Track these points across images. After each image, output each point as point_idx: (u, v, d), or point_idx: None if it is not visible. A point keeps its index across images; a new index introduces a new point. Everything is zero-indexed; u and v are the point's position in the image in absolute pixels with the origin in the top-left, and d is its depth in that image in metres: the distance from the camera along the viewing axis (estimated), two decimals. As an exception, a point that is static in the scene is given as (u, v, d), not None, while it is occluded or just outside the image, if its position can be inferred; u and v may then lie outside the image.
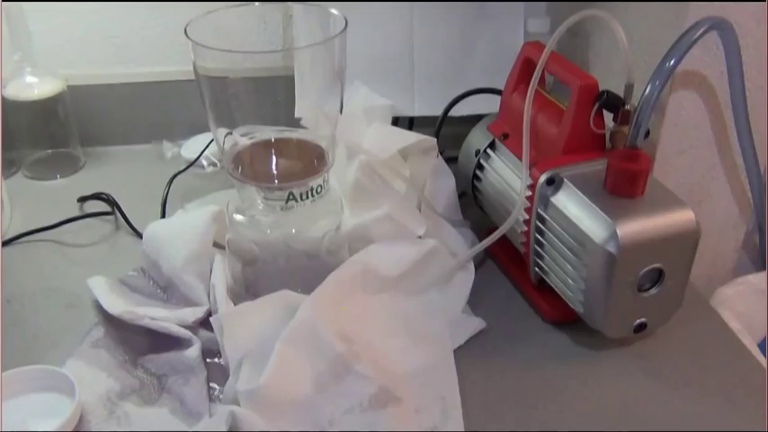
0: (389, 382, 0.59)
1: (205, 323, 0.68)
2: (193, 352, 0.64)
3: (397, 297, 0.69)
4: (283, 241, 0.65)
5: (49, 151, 0.95)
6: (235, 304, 0.66)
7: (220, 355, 0.65)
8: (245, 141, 0.66)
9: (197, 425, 0.58)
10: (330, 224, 0.67)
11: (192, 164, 0.90)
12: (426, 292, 0.71)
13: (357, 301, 0.65)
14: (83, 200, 0.88)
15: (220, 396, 0.61)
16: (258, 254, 0.66)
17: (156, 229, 0.75)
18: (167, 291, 0.73)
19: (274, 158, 0.66)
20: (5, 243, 0.82)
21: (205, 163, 0.93)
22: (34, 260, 0.80)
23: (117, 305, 0.68)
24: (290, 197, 0.63)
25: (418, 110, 0.91)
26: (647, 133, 0.65)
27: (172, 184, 0.86)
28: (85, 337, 0.68)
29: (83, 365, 0.65)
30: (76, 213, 0.86)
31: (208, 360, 0.65)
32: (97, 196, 0.87)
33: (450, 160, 0.81)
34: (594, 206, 0.61)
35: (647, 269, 0.61)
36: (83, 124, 0.96)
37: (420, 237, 0.71)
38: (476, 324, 0.69)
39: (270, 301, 0.63)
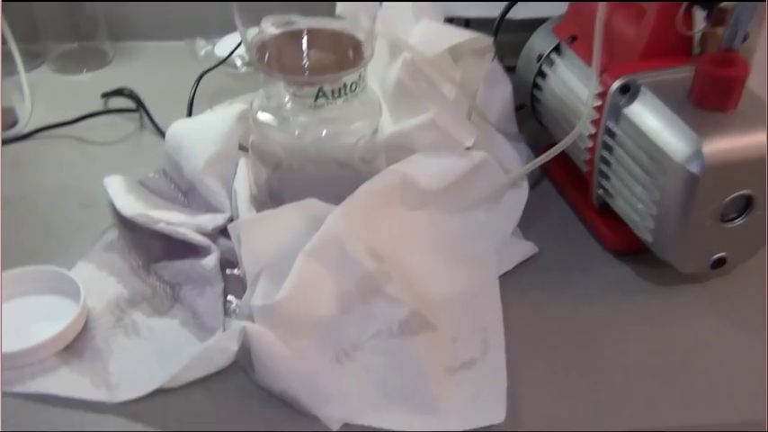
0: (424, 306, 0.53)
1: (225, 231, 0.62)
2: (210, 261, 0.58)
3: (437, 214, 0.61)
4: (312, 145, 0.58)
5: (76, 44, 0.89)
6: (257, 212, 0.59)
7: (238, 266, 0.59)
8: (273, 30, 0.58)
9: (208, 340, 0.52)
10: (366, 128, 0.59)
11: (223, 61, 0.82)
12: (471, 211, 0.63)
13: (392, 216, 0.58)
14: (107, 95, 0.81)
15: (237, 311, 0.56)
16: (284, 158, 0.59)
17: (179, 128, 0.69)
18: (188, 195, 0.67)
19: (305, 49, 0.58)
20: (24, 137, 0.76)
21: (239, 62, 0.86)
22: (52, 156, 0.74)
23: (132, 207, 0.63)
24: (321, 94, 0.56)
25: (475, 11, 0.80)
26: (746, 36, 0.54)
27: (201, 83, 0.79)
28: (98, 240, 0.63)
29: (93, 269, 0.60)
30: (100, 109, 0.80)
31: (227, 271, 0.59)
32: (121, 92, 0.81)
33: (509, 70, 0.71)
34: (677, 118, 0.52)
35: (734, 195, 0.52)
36: (112, 17, 0.90)
37: (468, 148, 0.63)
38: (526, 249, 0.61)
39: (294, 210, 0.56)
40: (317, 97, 0.56)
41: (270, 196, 0.61)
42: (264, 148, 0.60)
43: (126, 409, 0.48)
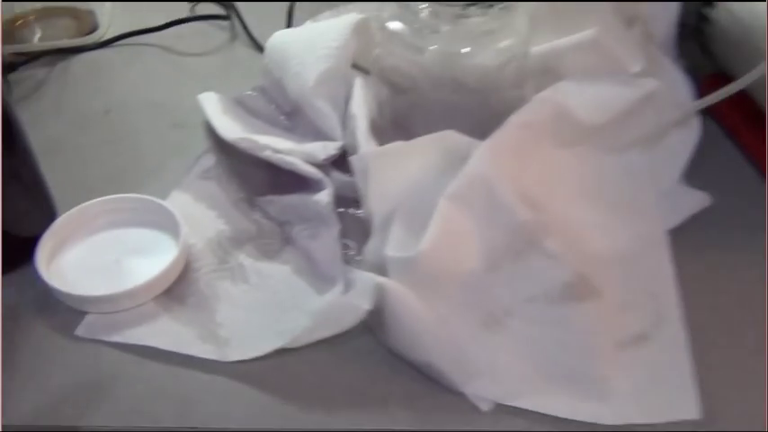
0: (587, 267, 0.44)
1: (337, 162, 0.54)
2: (324, 197, 0.50)
3: (591, 154, 0.51)
4: (452, 64, 0.48)
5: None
6: (378, 142, 0.50)
7: (356, 205, 0.51)
8: None
9: (328, 291, 0.45)
10: (516, 47, 0.49)
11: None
12: (627, 151, 0.52)
13: (542, 155, 0.49)
14: (195, 0, 0.72)
15: (356, 258, 0.47)
16: (415, 78, 0.50)
17: (282, 40, 0.60)
18: (292, 118, 0.59)
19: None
20: (105, 44, 0.68)
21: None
22: (137, 67, 0.66)
23: (233, 130, 0.54)
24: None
25: None
26: None
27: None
28: (194, 166, 0.55)
29: (189, 200, 0.52)
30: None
31: (339, 210, 0.51)
32: (211, -4, 0.72)
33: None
34: None
35: None
36: None
37: (634, 74, 0.52)
38: (697, 199, 0.51)
39: (430, 143, 0.47)
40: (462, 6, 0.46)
41: (393, 124, 0.52)
42: (392, 64, 0.51)
43: (238, 368, 0.41)
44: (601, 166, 0.51)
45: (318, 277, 0.46)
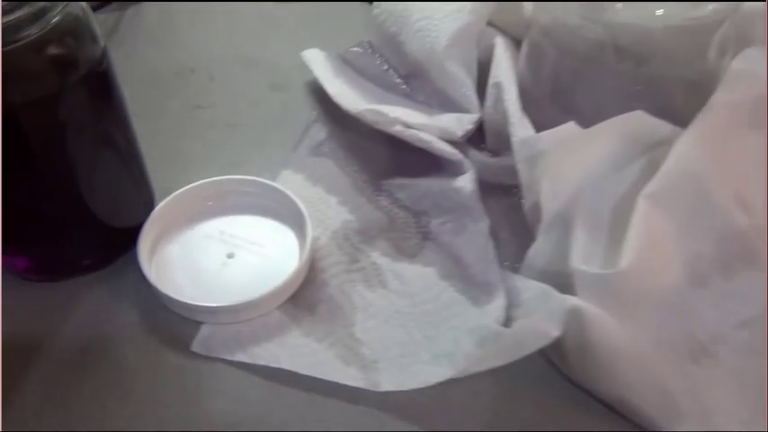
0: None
1: (471, 140, 0.46)
2: (467, 183, 0.42)
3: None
4: (641, 29, 0.39)
5: None
6: (532, 117, 0.42)
7: (501, 192, 0.43)
8: None
9: (486, 302, 0.37)
10: (721, 9, 0.40)
11: None
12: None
13: (745, 142, 0.40)
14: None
15: (515, 264, 0.40)
16: (588, 37, 0.41)
17: (399, -12, 0.51)
18: (411, 82, 0.50)
19: None
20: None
21: None
22: (224, 18, 0.58)
23: (353, 99, 0.46)
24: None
25: None
26: None
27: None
28: (302, 139, 0.47)
29: (303, 182, 0.45)
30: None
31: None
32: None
33: None
34: None
35: None
36: None
37: None
38: None
39: (613, 128, 0.38)
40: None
41: (551, 95, 0.44)
42: (561, 24, 0.42)
43: (388, 399, 0.34)
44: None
45: (471, 283, 0.39)
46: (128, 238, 0.38)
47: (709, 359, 0.35)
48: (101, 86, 0.35)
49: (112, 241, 0.39)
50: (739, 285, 0.35)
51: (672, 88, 0.40)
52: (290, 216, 0.40)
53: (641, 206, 0.35)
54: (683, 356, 0.34)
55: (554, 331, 0.33)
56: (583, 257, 0.35)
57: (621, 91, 0.41)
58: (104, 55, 0.34)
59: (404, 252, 0.41)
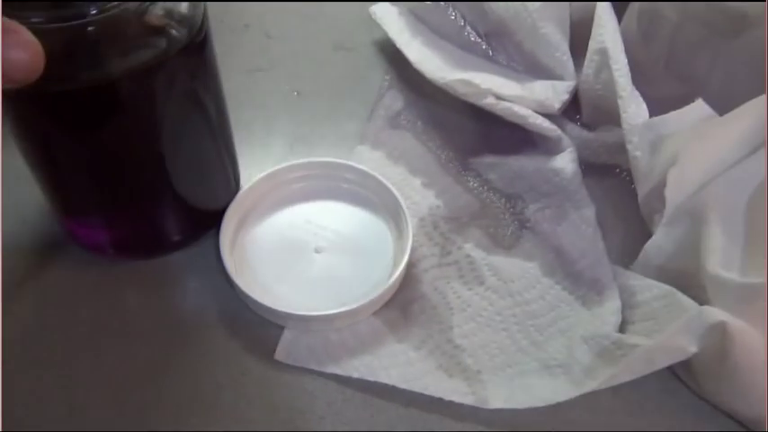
0: None
1: (565, 112, 0.41)
2: (567, 163, 0.38)
3: None
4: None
5: None
6: (644, 90, 0.37)
7: (602, 172, 0.39)
8: None
9: (598, 303, 0.33)
10: None
11: None
12: None
13: None
14: None
15: (624, 258, 0.36)
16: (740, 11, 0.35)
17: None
18: (493, 41, 0.45)
19: None
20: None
21: None
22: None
23: (437, 65, 0.41)
24: None
25: None
26: None
27: None
28: (376, 108, 0.43)
29: (382, 159, 0.40)
30: None
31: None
32: None
33: None
34: None
35: None
36: None
37: None
38: None
39: (747, 115, 0.33)
40: None
41: (667, 66, 0.39)
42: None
43: (495, 415, 0.31)
44: None
45: (577, 279, 0.35)
46: (212, 219, 0.35)
47: None
48: (200, 54, 0.30)
49: (198, 221, 0.35)
50: None
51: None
52: (384, 206, 0.36)
53: (789, 203, 0.30)
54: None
55: (691, 347, 0.29)
56: (721, 261, 0.31)
57: (753, 64, 0.36)
58: (205, 18, 0.30)
59: (499, 243, 0.37)
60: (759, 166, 0.32)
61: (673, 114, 0.34)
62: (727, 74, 0.36)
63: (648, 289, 0.33)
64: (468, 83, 0.39)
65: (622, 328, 0.33)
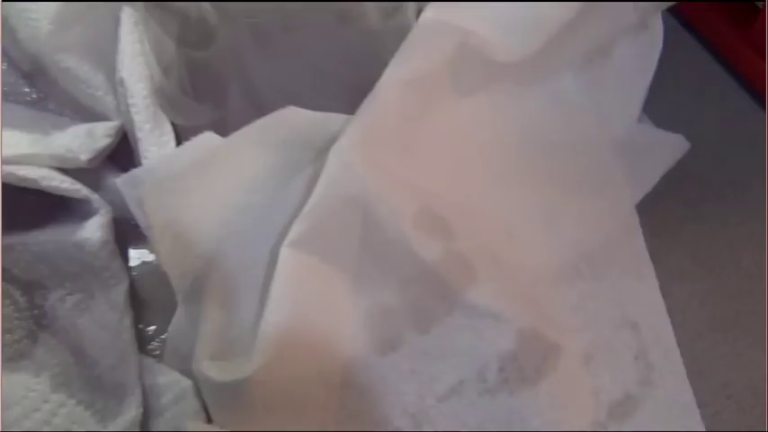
0: (535, 311, 0.27)
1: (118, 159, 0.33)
2: (94, 232, 0.30)
3: (508, 94, 0.33)
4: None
5: None
6: (171, 119, 0.30)
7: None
8: None
9: (113, 419, 0.26)
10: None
11: None
12: (555, 77, 0.35)
13: (440, 117, 0.30)
14: None
15: (154, 343, 0.28)
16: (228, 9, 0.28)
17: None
18: (35, 80, 0.36)
19: None
20: None
21: None
22: None
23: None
24: None
25: None
26: None
27: None
28: None
29: None
30: None
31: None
32: None
33: None
34: None
35: None
36: None
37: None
38: (670, 146, 0.34)
39: (260, 134, 0.27)
40: None
41: (186, 89, 0.31)
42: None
43: None
44: (523, 112, 0.33)
45: (95, 389, 0.27)
46: None
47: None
48: None
49: None
50: (439, 339, 0.26)
51: (336, 61, 0.29)
52: None
53: (284, 259, 0.24)
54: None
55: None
56: (211, 349, 0.24)
57: (280, 72, 0.29)
58: None
59: (6, 355, 0.28)
60: (281, 208, 0.26)
61: (151, 160, 0.26)
62: (249, 92, 0.29)
63: (172, 388, 0.26)
64: None
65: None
